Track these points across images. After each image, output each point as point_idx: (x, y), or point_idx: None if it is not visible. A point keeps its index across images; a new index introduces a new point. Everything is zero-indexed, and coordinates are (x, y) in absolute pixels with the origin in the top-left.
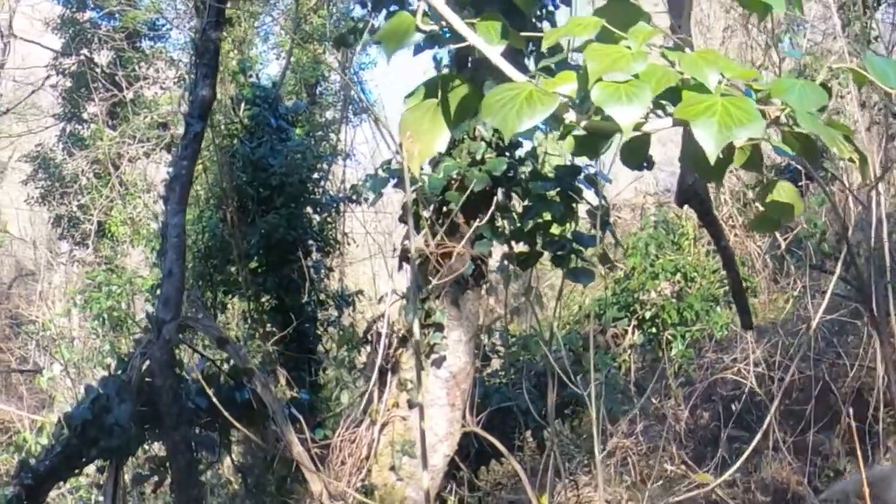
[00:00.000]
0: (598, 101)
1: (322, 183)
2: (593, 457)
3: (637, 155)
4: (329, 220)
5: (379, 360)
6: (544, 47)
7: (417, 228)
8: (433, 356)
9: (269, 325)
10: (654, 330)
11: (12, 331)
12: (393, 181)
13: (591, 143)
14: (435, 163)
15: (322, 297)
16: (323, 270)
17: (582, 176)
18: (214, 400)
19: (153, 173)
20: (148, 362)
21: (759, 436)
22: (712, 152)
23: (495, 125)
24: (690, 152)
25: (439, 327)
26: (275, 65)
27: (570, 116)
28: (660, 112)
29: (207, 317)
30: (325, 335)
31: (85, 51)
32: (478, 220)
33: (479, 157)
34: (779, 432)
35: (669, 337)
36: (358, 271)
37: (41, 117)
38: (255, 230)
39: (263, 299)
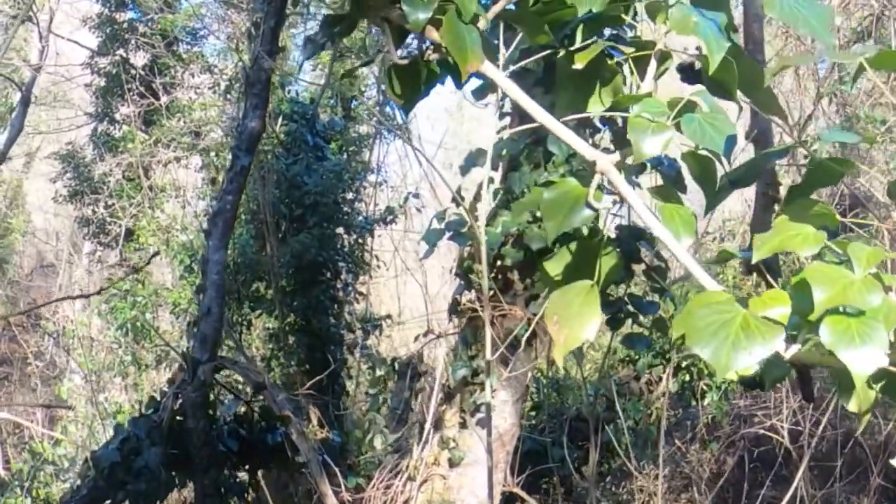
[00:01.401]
0: (829, 342)
1: (355, 204)
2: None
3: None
4: (360, 241)
5: (430, 418)
6: (756, 260)
7: (470, 283)
8: (478, 415)
9: (294, 345)
10: (688, 378)
11: (29, 322)
12: (448, 234)
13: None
14: (492, 216)
15: (349, 319)
16: (352, 293)
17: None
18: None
19: (183, 178)
20: (180, 403)
21: (790, 492)
22: None
23: (705, 358)
24: None
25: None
26: (310, 75)
27: (778, 346)
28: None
29: (247, 359)
30: (350, 358)
31: (121, 51)
32: (534, 278)
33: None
34: (807, 486)
35: (704, 387)
36: (382, 293)
37: (73, 116)
38: (286, 249)
39: (290, 319)
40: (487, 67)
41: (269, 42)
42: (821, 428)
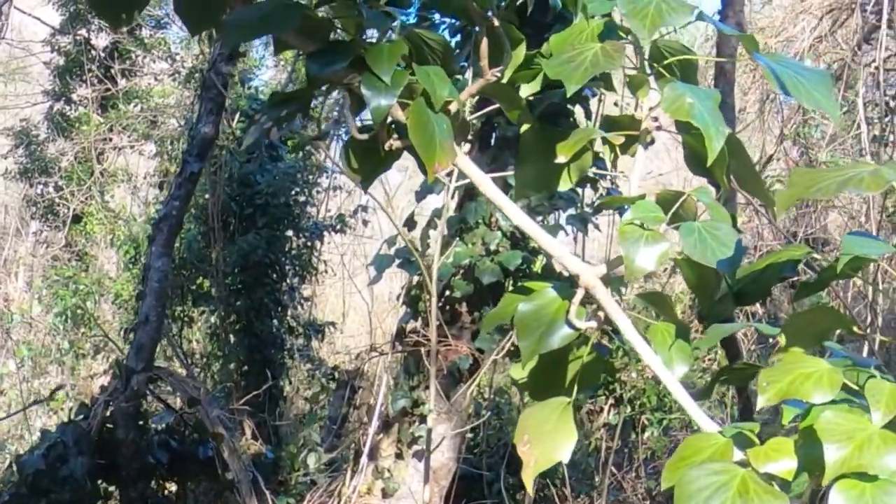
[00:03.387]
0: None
1: (307, 207)
2: None
3: None
4: (309, 245)
5: (368, 443)
6: (762, 403)
7: (417, 312)
8: (415, 448)
9: (234, 345)
10: (629, 410)
11: None
12: (398, 261)
13: None
14: (444, 244)
15: (292, 324)
16: (297, 297)
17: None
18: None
19: (137, 164)
20: (111, 412)
21: None
22: None
23: None
24: None
25: (424, 419)
26: (272, 71)
27: None
28: None
29: (187, 367)
30: (290, 362)
31: (83, 31)
32: (481, 312)
33: (493, 247)
34: None
35: (646, 421)
36: (330, 297)
37: (30, 93)
38: (234, 248)
39: (232, 318)
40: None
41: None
42: None
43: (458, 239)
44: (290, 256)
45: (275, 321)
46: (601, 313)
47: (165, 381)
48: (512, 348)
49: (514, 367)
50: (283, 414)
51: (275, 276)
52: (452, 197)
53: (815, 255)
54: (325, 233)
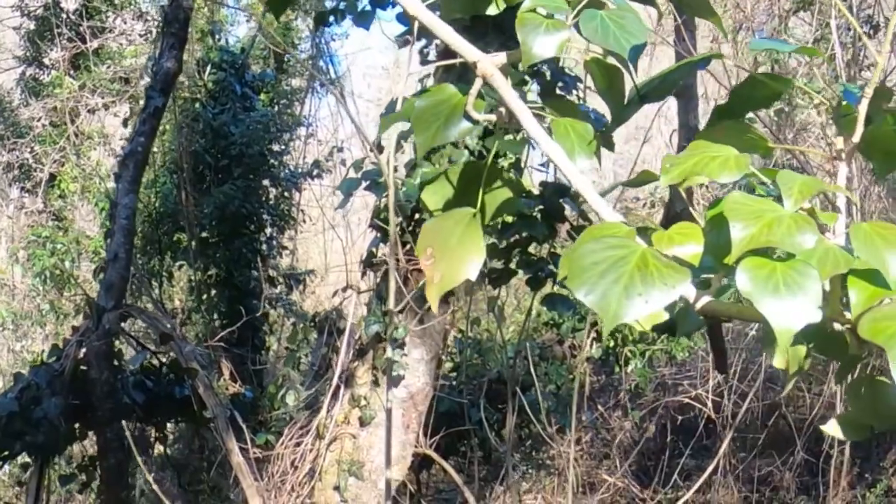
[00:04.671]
0: (747, 291)
1: (283, 157)
2: (538, 467)
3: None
4: (286, 195)
5: (338, 371)
6: (664, 185)
7: (386, 236)
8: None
9: (215, 298)
10: (612, 343)
11: None
12: (365, 183)
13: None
14: (412, 167)
15: (272, 274)
16: (276, 247)
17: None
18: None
19: (112, 127)
20: (84, 352)
21: (713, 464)
22: None
23: (589, 304)
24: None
25: (400, 344)
26: (244, 26)
27: (687, 292)
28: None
29: (164, 312)
30: (272, 313)
31: None
32: None
33: (460, 164)
34: (730, 457)
35: (628, 353)
36: (310, 248)
37: (4, 59)
38: (210, 200)
39: (211, 271)
40: None
41: None
42: (747, 400)
43: (425, 160)
44: (267, 206)
45: (254, 272)
46: (502, 108)
47: (138, 319)
48: (485, 271)
49: (428, 192)
50: (265, 363)
51: (252, 226)
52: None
53: (725, 57)
54: (304, 182)
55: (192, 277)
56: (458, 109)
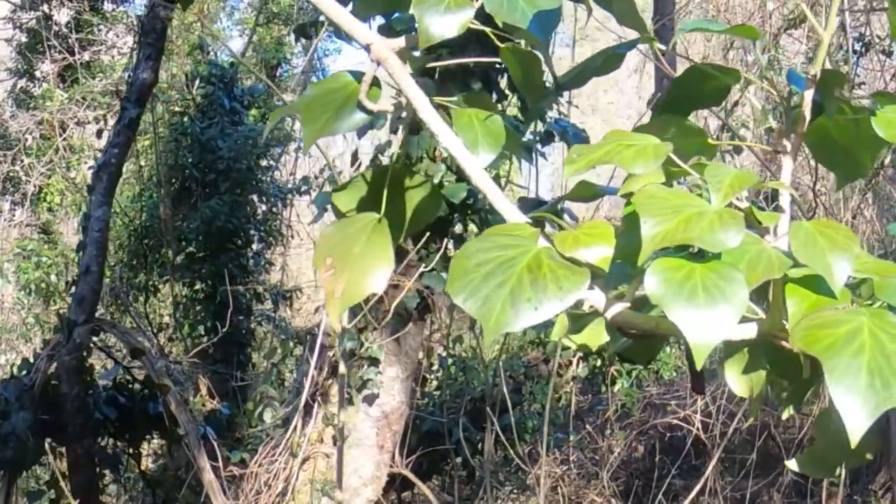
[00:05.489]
0: (657, 296)
1: (271, 172)
2: (522, 487)
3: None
4: (274, 210)
5: (307, 389)
6: (566, 175)
7: None
8: (365, 392)
9: (200, 313)
10: (598, 363)
11: None
12: None
13: (637, 348)
14: None
15: (259, 290)
16: (263, 262)
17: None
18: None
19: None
20: (55, 366)
21: (700, 484)
22: (858, 429)
23: (470, 312)
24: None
25: (374, 362)
26: (238, 41)
27: (594, 300)
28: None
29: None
30: (258, 330)
31: (45, 6)
32: (429, 249)
33: (436, 180)
34: (717, 479)
35: (615, 373)
36: (303, 264)
37: None
38: (196, 214)
39: (197, 286)
40: None
41: None
42: (735, 420)
43: None
44: (254, 222)
45: (240, 288)
46: (402, 98)
47: (109, 333)
48: None
49: (340, 195)
50: (249, 380)
51: (239, 242)
52: (394, 132)
53: (660, 46)
54: (292, 197)
55: (177, 292)
56: (352, 99)
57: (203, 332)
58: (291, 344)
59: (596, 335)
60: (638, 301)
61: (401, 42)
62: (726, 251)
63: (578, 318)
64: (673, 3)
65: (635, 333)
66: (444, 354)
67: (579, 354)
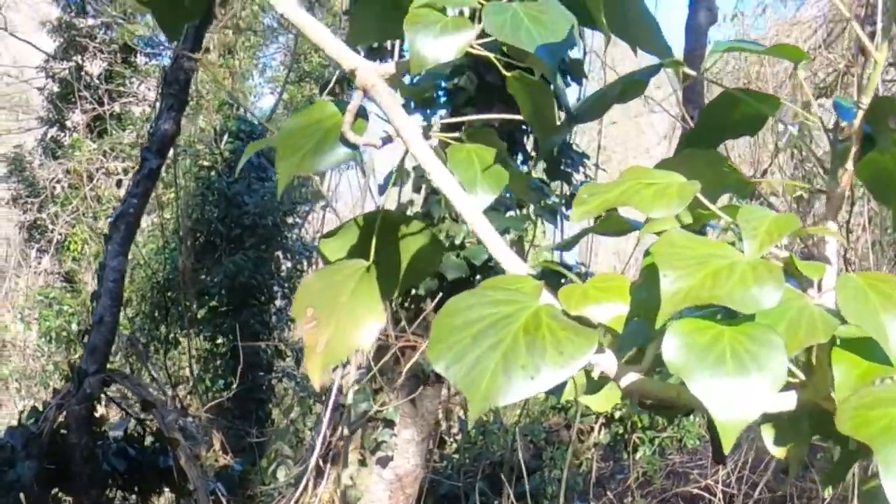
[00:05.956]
0: (677, 364)
1: (297, 229)
2: None
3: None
4: (299, 268)
5: (318, 449)
6: (574, 219)
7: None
8: (379, 454)
9: (220, 368)
10: (621, 430)
11: None
12: None
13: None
14: None
15: (281, 346)
16: (286, 319)
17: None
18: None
19: (122, 190)
20: (64, 415)
21: None
22: None
23: (453, 381)
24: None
25: (389, 424)
26: (269, 98)
27: (605, 365)
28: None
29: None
30: (279, 386)
31: (77, 58)
32: None
33: (458, 241)
34: None
35: (637, 440)
36: None
37: (28, 119)
38: (220, 268)
39: (219, 341)
40: None
41: (191, 41)
42: (757, 491)
43: None
44: (278, 278)
45: (262, 344)
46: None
47: (121, 385)
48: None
49: (329, 242)
50: (267, 436)
51: (262, 298)
52: (417, 191)
53: (688, 71)
54: (317, 256)
55: (198, 346)
56: (334, 132)
57: (223, 387)
58: (310, 401)
59: (613, 397)
60: (657, 364)
61: (391, 68)
62: (761, 311)
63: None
64: (706, 35)
65: (653, 404)
66: (463, 417)
67: (601, 420)
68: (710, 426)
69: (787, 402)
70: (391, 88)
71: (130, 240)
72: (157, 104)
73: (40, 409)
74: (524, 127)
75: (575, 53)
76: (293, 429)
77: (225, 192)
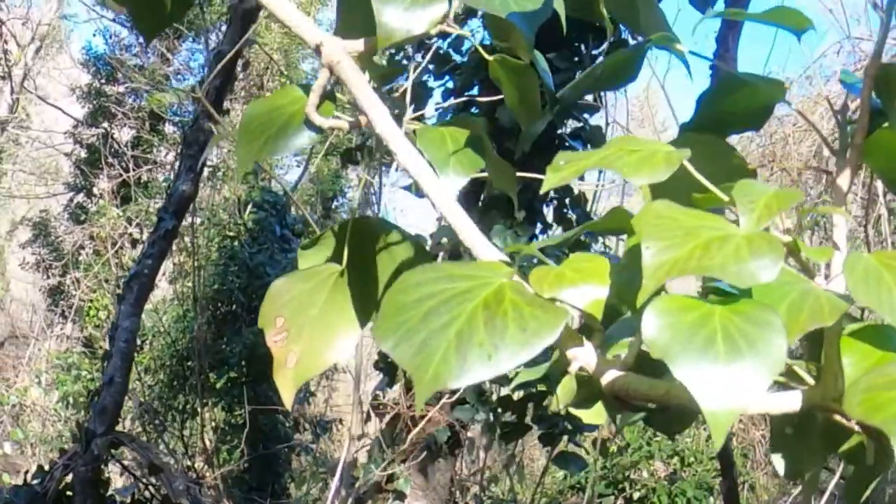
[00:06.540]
0: (658, 343)
1: None
2: None
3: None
4: None
5: None
6: (546, 187)
7: (393, 379)
8: None
9: (238, 440)
10: None
11: None
12: (372, 322)
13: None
14: None
15: (299, 420)
16: (305, 394)
17: None
18: None
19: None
20: (70, 477)
21: None
22: None
23: (399, 361)
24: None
25: (400, 496)
26: (295, 171)
27: (583, 358)
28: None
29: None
30: (295, 460)
31: (106, 124)
32: None
33: None
34: None
35: None
36: (346, 398)
37: (55, 183)
38: (240, 339)
39: (237, 412)
40: None
41: (212, 102)
42: None
43: None
44: None
45: (280, 416)
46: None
47: (129, 447)
48: (499, 425)
49: (306, 254)
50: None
51: None
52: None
53: (679, 44)
54: None
55: (215, 417)
56: (298, 116)
57: (240, 458)
58: (326, 475)
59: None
60: (645, 362)
61: (359, 45)
62: (759, 290)
63: (586, 384)
64: (737, 41)
65: (640, 406)
66: (479, 494)
67: (620, 502)
68: (727, 491)
69: (791, 402)
70: (356, 65)
71: (144, 300)
72: (177, 165)
73: (46, 468)
74: (544, 194)
75: (595, 120)
76: (306, 501)
77: (247, 263)
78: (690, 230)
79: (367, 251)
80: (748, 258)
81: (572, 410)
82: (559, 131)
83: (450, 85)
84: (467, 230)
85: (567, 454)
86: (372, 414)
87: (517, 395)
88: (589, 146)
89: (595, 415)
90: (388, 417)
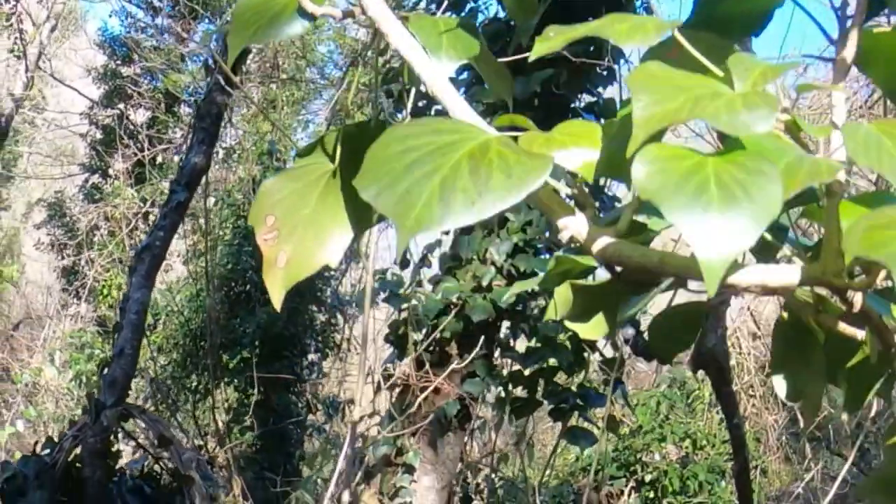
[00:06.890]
0: (648, 189)
1: (333, 282)
2: None
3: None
4: (333, 321)
5: (331, 490)
6: (534, 55)
7: (404, 352)
8: (397, 500)
9: (250, 420)
10: (652, 495)
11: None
12: (383, 294)
13: (608, 300)
14: (435, 282)
15: (312, 400)
16: (318, 373)
17: None
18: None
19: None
20: (79, 448)
21: None
22: None
23: (381, 209)
24: None
25: (409, 469)
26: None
27: (574, 227)
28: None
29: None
30: (307, 441)
31: (121, 105)
32: (473, 354)
33: (485, 282)
34: None
35: None
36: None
37: (70, 164)
38: (253, 319)
39: (249, 392)
40: None
41: (223, 75)
42: None
43: (450, 276)
44: (312, 331)
45: (293, 396)
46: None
47: (139, 419)
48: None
49: (297, 161)
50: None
51: (295, 350)
52: (447, 233)
53: None
54: (352, 310)
55: (228, 397)
56: (292, 5)
57: (252, 438)
58: (334, 452)
59: (602, 324)
60: (637, 231)
61: None
62: (754, 147)
63: (583, 294)
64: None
65: (631, 278)
66: (490, 474)
67: (632, 484)
68: (739, 483)
69: (790, 276)
70: None
71: (155, 272)
72: (189, 137)
73: (56, 439)
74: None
75: (610, 93)
76: (317, 478)
77: None
78: (683, 87)
79: (362, 155)
80: (741, 108)
81: (568, 324)
82: (573, 105)
83: None
84: (461, 111)
85: (577, 429)
86: (382, 385)
87: (528, 371)
88: (602, 120)
89: (593, 328)
90: (397, 390)
